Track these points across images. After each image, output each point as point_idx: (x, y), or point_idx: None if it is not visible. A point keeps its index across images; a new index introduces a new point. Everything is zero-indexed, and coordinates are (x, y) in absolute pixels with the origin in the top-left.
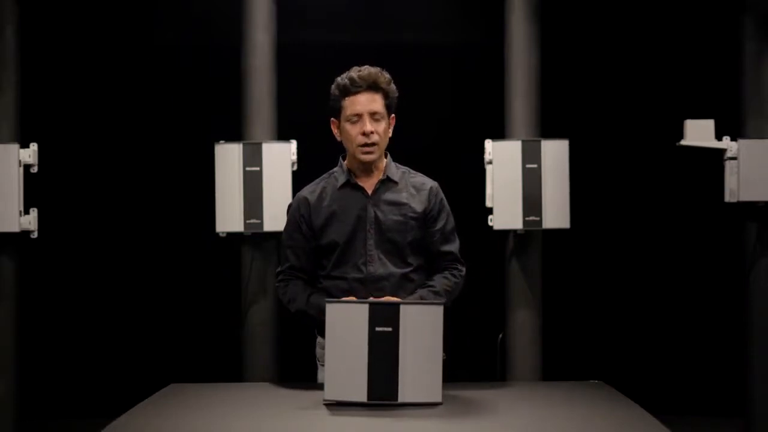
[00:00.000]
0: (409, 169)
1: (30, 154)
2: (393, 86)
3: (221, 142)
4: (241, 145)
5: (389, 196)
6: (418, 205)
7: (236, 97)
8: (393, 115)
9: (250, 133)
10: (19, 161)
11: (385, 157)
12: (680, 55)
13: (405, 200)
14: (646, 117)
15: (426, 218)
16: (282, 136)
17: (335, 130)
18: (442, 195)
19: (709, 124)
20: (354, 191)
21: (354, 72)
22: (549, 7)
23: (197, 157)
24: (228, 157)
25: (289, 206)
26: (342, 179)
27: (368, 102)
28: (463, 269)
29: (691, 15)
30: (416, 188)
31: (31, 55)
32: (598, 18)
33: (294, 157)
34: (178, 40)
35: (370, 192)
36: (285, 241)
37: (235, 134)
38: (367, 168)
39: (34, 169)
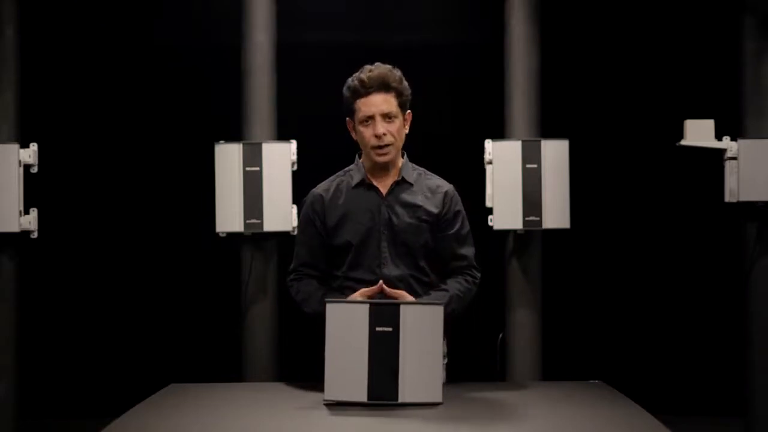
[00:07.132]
0: (425, 170)
1: (30, 154)
2: (405, 83)
3: (221, 142)
4: (241, 145)
5: (404, 197)
6: (432, 207)
7: (236, 97)
8: (408, 111)
9: (250, 133)
10: (19, 161)
11: (402, 157)
12: (680, 55)
13: (420, 202)
14: (646, 117)
15: (440, 222)
16: (282, 136)
17: (351, 130)
18: (458, 199)
19: (709, 124)
20: (368, 191)
21: (364, 73)
22: (549, 8)
23: (197, 157)
24: (228, 157)
25: (303, 203)
26: (357, 178)
27: (380, 103)
28: (478, 275)
29: (691, 15)
30: (431, 191)
31: (31, 55)
32: (598, 18)
33: (294, 157)
34: (178, 40)
35: (384, 193)
36: (298, 237)
37: (235, 134)
38: (383, 168)
39: (34, 169)
